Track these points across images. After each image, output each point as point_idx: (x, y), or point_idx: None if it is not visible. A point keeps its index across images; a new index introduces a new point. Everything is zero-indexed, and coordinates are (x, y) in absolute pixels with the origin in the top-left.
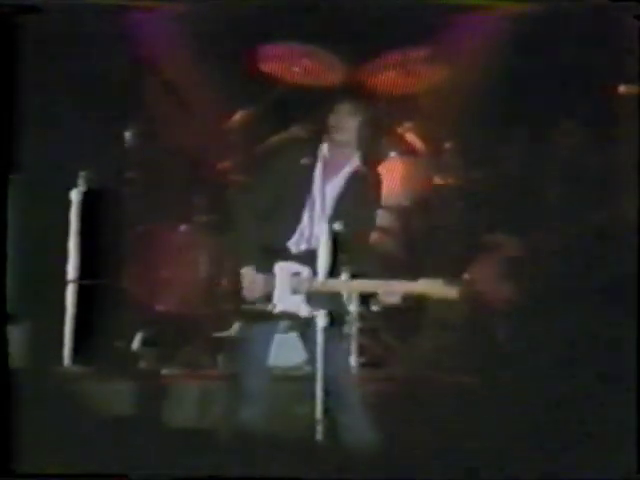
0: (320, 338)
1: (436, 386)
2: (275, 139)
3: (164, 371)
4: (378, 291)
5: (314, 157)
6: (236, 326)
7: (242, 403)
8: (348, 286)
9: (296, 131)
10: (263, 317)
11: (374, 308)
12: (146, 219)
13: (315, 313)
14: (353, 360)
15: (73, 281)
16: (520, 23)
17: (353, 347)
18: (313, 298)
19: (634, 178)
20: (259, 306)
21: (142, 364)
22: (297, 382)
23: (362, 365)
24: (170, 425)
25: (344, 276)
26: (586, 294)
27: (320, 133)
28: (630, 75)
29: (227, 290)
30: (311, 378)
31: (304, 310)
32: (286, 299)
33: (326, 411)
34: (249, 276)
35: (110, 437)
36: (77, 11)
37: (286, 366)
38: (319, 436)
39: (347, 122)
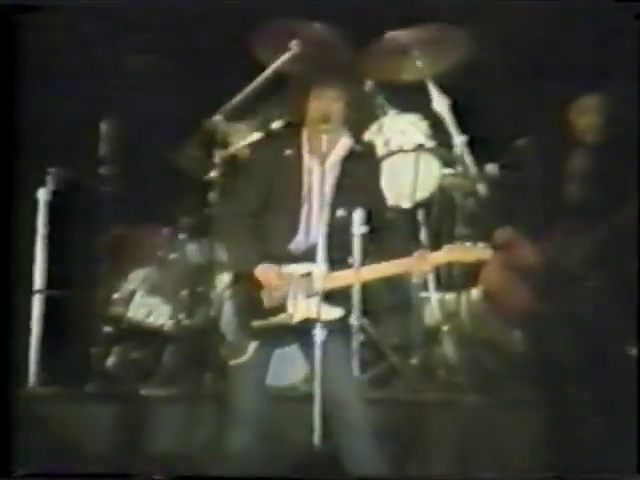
0: (318, 354)
1: (447, 408)
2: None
3: (144, 391)
4: (407, 271)
5: (299, 146)
6: (252, 348)
7: (233, 428)
8: (372, 272)
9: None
10: (281, 332)
11: None
12: (124, 221)
13: (342, 312)
14: (355, 378)
15: (40, 291)
16: (520, 22)
17: (355, 364)
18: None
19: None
20: (274, 320)
21: (119, 384)
22: (294, 403)
23: (365, 384)
24: (150, 452)
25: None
26: (610, 301)
27: (300, 120)
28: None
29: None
30: (308, 398)
31: (326, 312)
32: (302, 305)
33: (326, 436)
34: (270, 273)
35: (82, 465)
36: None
37: (281, 386)
38: (317, 463)
39: (331, 110)
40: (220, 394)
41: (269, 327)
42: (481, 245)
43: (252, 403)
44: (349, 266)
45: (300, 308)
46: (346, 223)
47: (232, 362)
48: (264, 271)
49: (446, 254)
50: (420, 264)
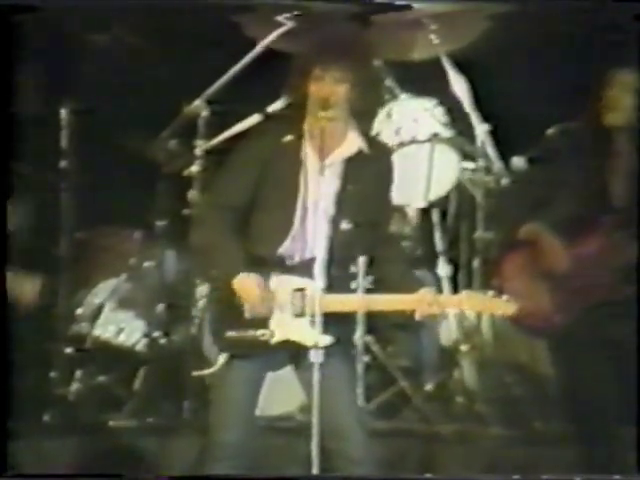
0: (317, 378)
1: (466, 441)
2: (251, 117)
3: (113, 422)
4: (413, 308)
5: (298, 135)
6: (221, 360)
7: (217, 464)
8: (374, 303)
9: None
10: (257, 348)
11: None
12: (89, 223)
13: (327, 341)
14: (360, 406)
15: None
16: (518, 21)
17: (359, 389)
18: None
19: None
20: (250, 334)
21: (83, 413)
22: (289, 434)
23: (370, 413)
24: None
25: (360, 290)
26: None
27: (300, 107)
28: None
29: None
30: (306, 429)
31: (311, 338)
32: (287, 324)
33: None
34: (251, 285)
35: None
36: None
37: (274, 415)
38: None
39: (333, 94)
40: (202, 425)
41: (252, 343)
42: (505, 298)
43: (240, 435)
44: (348, 287)
45: (284, 327)
46: (348, 236)
47: (196, 373)
48: (244, 282)
49: (460, 301)
50: (428, 305)
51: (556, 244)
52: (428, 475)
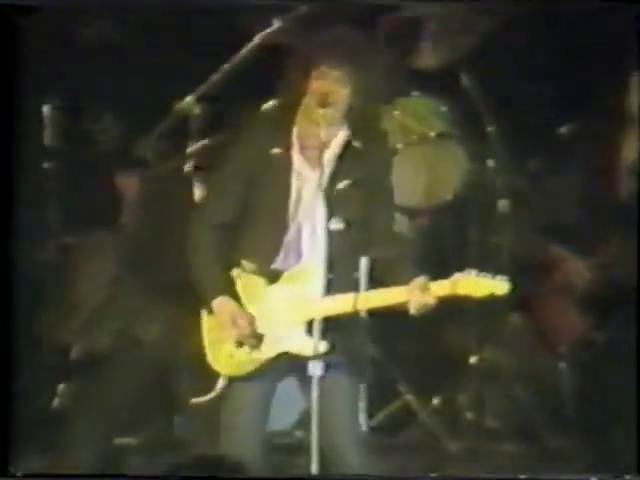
0: (315, 392)
1: (476, 459)
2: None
3: None
4: (406, 299)
5: (288, 143)
6: (220, 384)
7: None
8: (365, 301)
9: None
10: (255, 365)
11: None
12: (73, 228)
13: (325, 347)
14: (362, 421)
15: None
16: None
17: (362, 404)
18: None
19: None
20: (247, 350)
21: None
22: (286, 452)
23: (373, 429)
24: None
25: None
26: None
27: (294, 109)
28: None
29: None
30: (304, 446)
31: (310, 346)
32: (283, 335)
33: None
34: (227, 310)
35: None
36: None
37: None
38: None
39: (334, 93)
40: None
41: (248, 362)
42: (498, 278)
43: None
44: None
45: (280, 339)
46: (346, 240)
47: (195, 400)
48: (222, 307)
49: (452, 285)
50: (420, 295)
51: (577, 263)
52: (428, 475)
